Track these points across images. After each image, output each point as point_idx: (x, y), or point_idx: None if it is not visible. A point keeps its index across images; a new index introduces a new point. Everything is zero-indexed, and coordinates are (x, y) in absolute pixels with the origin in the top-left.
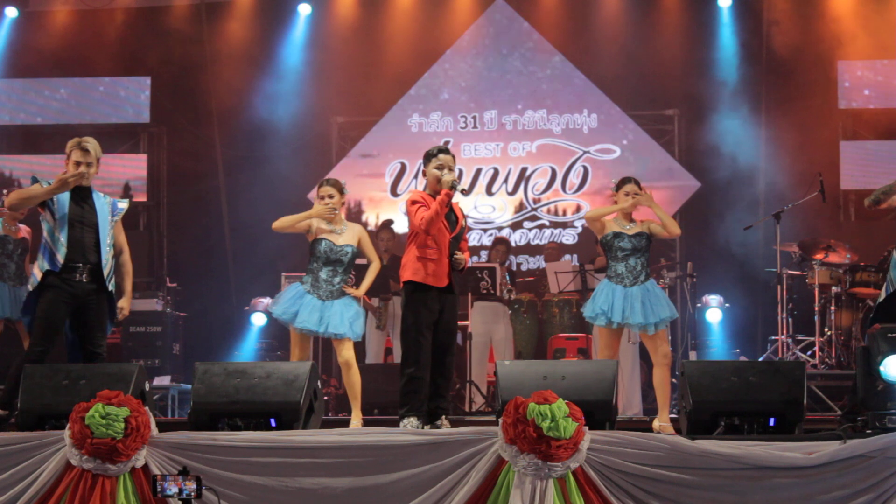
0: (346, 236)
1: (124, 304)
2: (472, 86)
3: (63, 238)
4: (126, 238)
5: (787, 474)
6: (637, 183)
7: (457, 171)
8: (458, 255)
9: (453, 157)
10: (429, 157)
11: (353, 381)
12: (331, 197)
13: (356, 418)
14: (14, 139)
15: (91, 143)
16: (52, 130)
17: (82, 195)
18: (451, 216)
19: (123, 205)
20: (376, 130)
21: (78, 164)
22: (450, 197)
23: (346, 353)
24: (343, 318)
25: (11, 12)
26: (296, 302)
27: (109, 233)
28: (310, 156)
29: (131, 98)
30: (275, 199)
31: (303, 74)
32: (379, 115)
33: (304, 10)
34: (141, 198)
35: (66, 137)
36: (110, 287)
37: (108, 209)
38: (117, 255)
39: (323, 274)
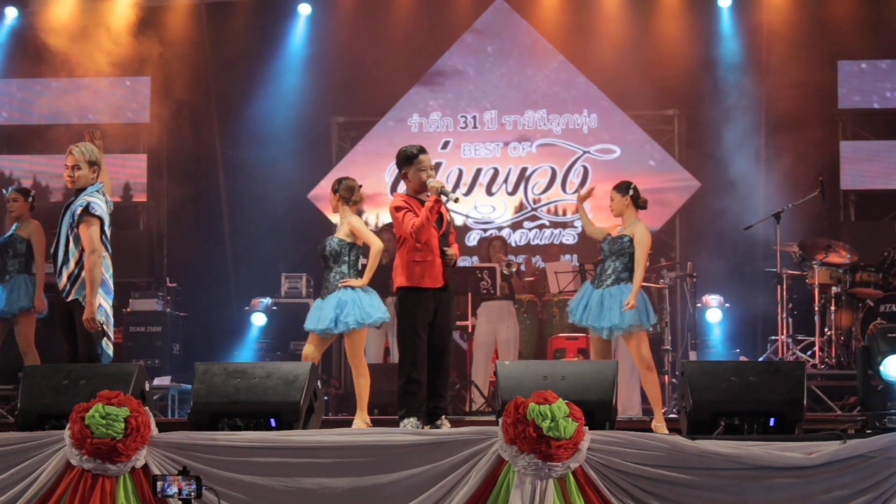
0: (336, 231)
1: (85, 314)
2: (472, 86)
3: (50, 253)
4: (94, 239)
5: (787, 474)
6: (620, 188)
7: (456, 171)
8: (448, 251)
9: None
10: (409, 158)
11: (358, 382)
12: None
13: (359, 419)
14: (14, 139)
15: (77, 148)
16: (53, 130)
17: (71, 203)
18: (439, 211)
19: (80, 208)
20: (376, 130)
21: (66, 167)
22: (439, 203)
23: (350, 350)
24: (329, 311)
25: (11, 12)
26: (313, 309)
27: (66, 243)
28: (310, 156)
29: (131, 98)
30: (275, 200)
31: (303, 74)
32: (379, 115)
33: (304, 10)
34: (141, 198)
35: (67, 137)
36: (71, 297)
37: (69, 215)
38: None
39: (324, 274)
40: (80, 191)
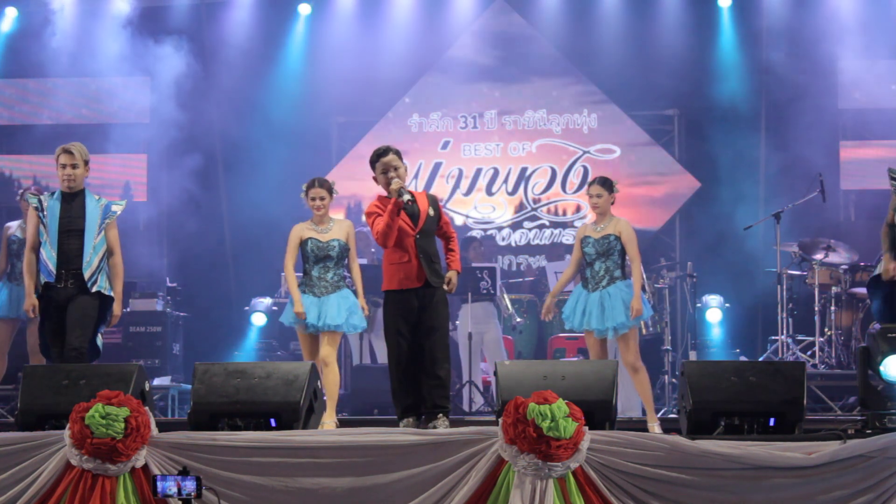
0: (333, 232)
1: (114, 308)
2: (472, 85)
3: (54, 250)
4: (119, 239)
5: (787, 474)
6: (606, 185)
7: (456, 171)
8: (450, 278)
9: (398, 154)
10: (373, 161)
11: (329, 380)
12: (322, 199)
13: (329, 418)
14: (14, 139)
15: (76, 147)
16: (53, 130)
17: (73, 201)
18: (414, 208)
19: (118, 207)
20: (376, 130)
21: (64, 166)
22: (399, 206)
23: (326, 349)
24: (340, 310)
25: (11, 12)
26: (307, 306)
27: (96, 237)
28: (310, 156)
29: (131, 98)
30: (275, 200)
31: (303, 74)
32: (379, 116)
33: (304, 10)
34: (141, 198)
35: (67, 138)
36: (95, 288)
37: (99, 212)
38: (108, 256)
39: (315, 272)
40: (76, 190)
